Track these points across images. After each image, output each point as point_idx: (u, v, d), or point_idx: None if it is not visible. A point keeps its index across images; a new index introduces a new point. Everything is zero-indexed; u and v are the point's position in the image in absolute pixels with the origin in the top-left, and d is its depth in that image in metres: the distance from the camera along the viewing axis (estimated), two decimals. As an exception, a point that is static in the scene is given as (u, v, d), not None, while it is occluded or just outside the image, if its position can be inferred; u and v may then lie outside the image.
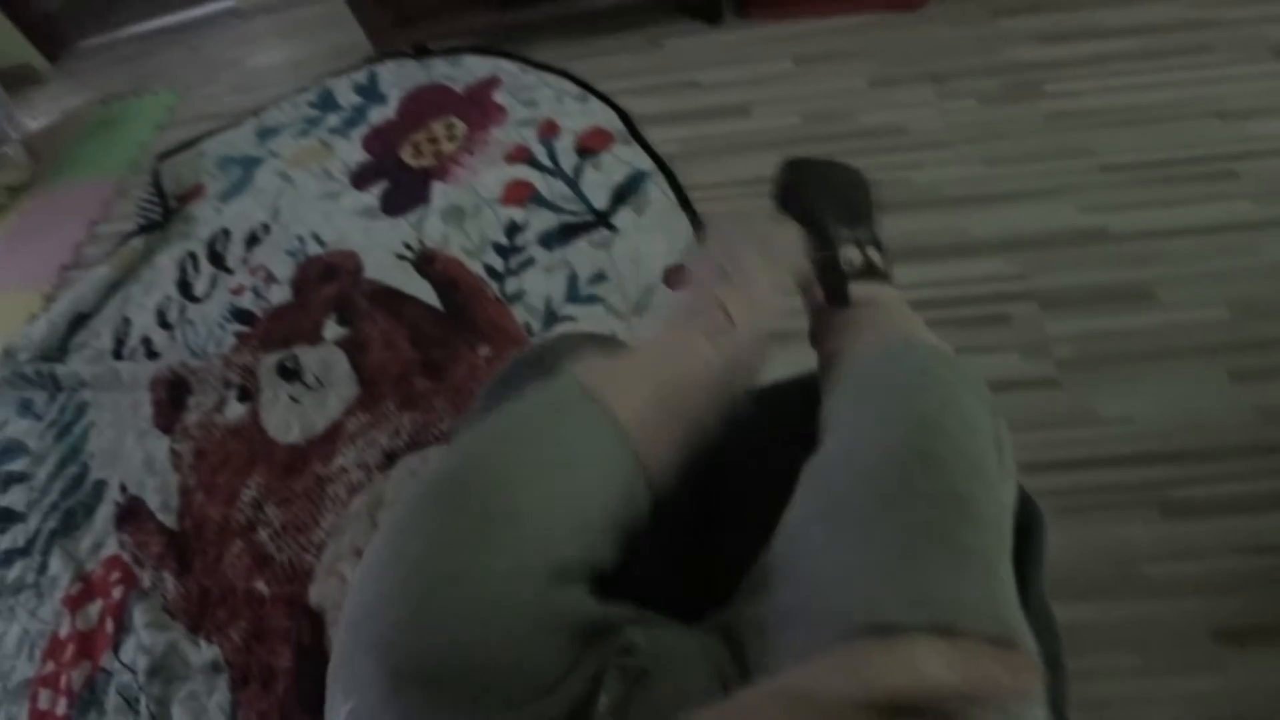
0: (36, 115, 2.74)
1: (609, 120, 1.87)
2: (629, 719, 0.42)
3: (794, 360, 0.74)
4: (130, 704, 1.24)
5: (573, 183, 1.77)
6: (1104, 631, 1.10)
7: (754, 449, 0.74)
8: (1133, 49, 1.74)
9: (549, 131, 1.89)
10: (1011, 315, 1.40)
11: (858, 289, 0.68)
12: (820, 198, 0.73)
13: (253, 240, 1.89)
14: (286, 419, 1.51)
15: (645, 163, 1.76)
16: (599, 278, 1.59)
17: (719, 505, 0.70)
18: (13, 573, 1.45)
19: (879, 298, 0.68)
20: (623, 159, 1.77)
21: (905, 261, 1.49)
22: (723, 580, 0.59)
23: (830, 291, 0.69)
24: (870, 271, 0.70)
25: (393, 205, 1.85)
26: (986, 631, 0.40)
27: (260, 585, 1.31)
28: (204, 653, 1.26)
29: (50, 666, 1.32)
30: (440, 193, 1.84)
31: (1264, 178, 1.49)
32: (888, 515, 0.43)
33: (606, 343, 0.68)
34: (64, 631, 1.35)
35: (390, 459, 1.41)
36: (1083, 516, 1.19)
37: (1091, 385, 1.31)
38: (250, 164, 2.09)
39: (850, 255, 0.70)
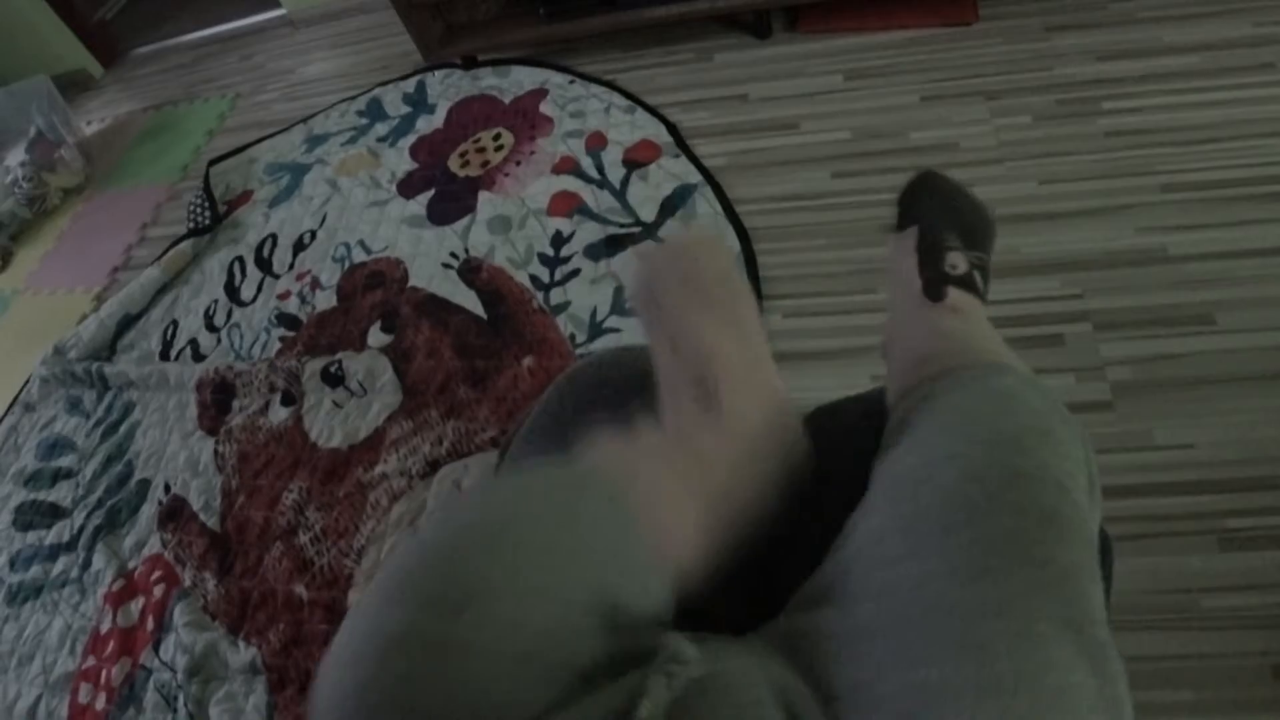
0: (91, 120, 2.81)
1: (657, 133, 1.87)
2: None
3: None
4: (168, 701, 1.25)
5: (619, 194, 1.77)
6: (1160, 665, 1.06)
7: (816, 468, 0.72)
8: (1192, 66, 1.70)
9: (596, 143, 1.89)
10: (1066, 336, 1.37)
11: (954, 294, 0.68)
12: (943, 209, 0.74)
13: (300, 246, 1.91)
14: (330, 424, 1.52)
15: (693, 175, 1.75)
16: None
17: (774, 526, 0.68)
18: (57, 568, 1.47)
19: (972, 312, 0.67)
20: (670, 171, 1.77)
21: (957, 280, 1.48)
22: (767, 591, 0.57)
23: (928, 284, 0.69)
24: (968, 284, 0.70)
25: (439, 214, 1.87)
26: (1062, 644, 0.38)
27: (300, 589, 1.32)
28: (243, 654, 1.27)
29: (91, 661, 1.33)
30: (487, 202, 1.85)
31: (1328, 199, 1.45)
32: (970, 527, 0.42)
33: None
34: (105, 627, 1.36)
35: (433, 467, 1.40)
36: (1137, 545, 1.15)
37: (1147, 410, 1.27)
38: (299, 171, 2.11)
39: (955, 261, 0.70)
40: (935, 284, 0.68)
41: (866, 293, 1.49)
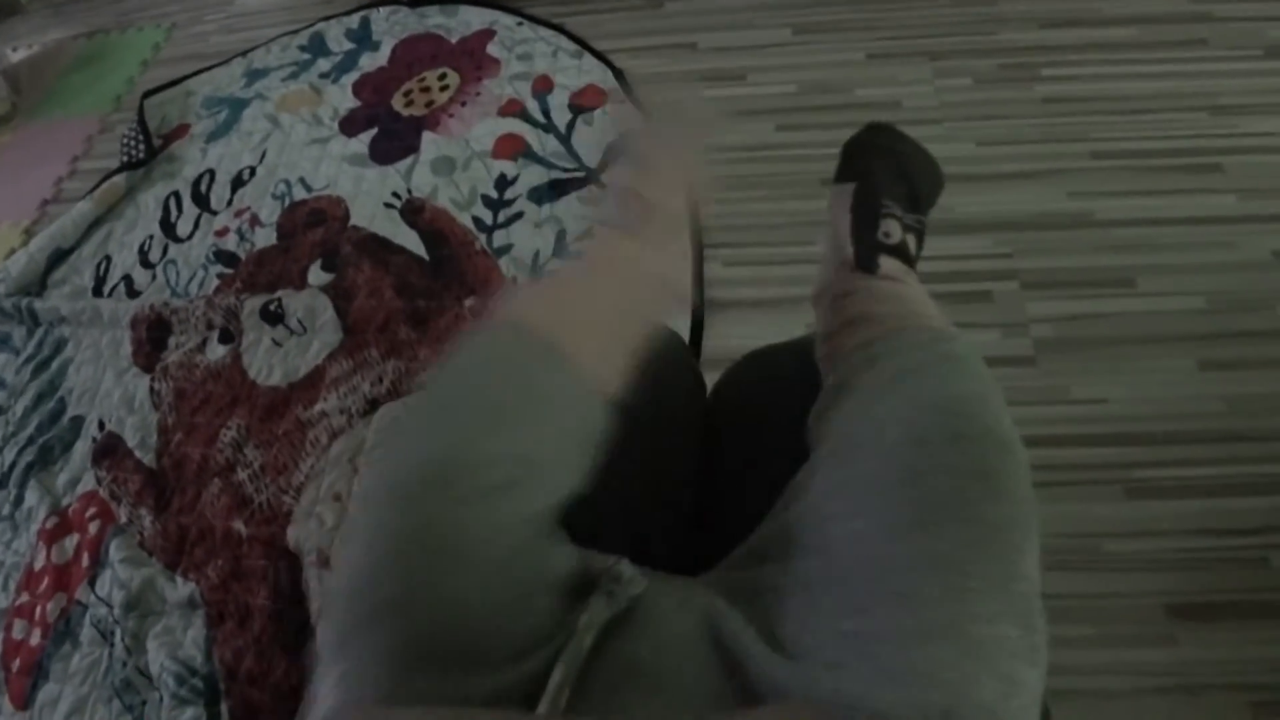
0: (18, 47, 2.67)
1: (604, 78, 1.86)
2: (605, 652, 0.43)
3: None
4: (105, 636, 1.25)
5: (565, 139, 1.76)
6: (1064, 602, 1.13)
7: (749, 409, 0.75)
8: (1130, 39, 1.75)
9: (543, 86, 1.87)
10: (994, 293, 1.43)
11: (887, 263, 0.68)
12: (886, 167, 0.73)
13: (238, 182, 1.86)
14: (269, 362, 1.51)
15: (638, 123, 1.75)
16: (589, 235, 1.59)
17: (715, 464, 0.72)
18: (-13, 504, 1.45)
19: (905, 280, 0.68)
20: (616, 118, 1.77)
21: (892, 235, 1.52)
22: (716, 538, 0.60)
23: (861, 253, 0.68)
24: (902, 253, 0.70)
25: (382, 153, 1.84)
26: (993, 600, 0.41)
27: (238, 525, 1.32)
28: (180, 589, 1.27)
29: (25, 598, 1.32)
30: (431, 143, 1.82)
31: (1249, 174, 1.51)
32: (909, 487, 0.45)
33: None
34: (39, 564, 1.35)
35: (373, 405, 1.41)
36: (1049, 492, 1.22)
37: (1067, 366, 1.34)
38: (237, 106, 2.05)
39: (890, 229, 0.69)
40: (868, 254, 0.68)
41: (804, 244, 1.52)
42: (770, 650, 0.43)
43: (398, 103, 1.94)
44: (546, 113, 1.82)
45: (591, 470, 0.53)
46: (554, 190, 1.67)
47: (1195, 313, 1.37)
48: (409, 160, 1.80)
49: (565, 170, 1.70)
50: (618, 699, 0.41)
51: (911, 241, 0.71)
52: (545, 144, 1.76)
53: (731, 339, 1.42)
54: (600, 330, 0.55)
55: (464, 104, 1.89)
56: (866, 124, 0.78)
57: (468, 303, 1.51)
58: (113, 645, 1.24)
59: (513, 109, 1.84)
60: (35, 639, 1.28)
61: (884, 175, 0.72)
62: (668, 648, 0.44)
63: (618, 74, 1.86)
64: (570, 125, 1.78)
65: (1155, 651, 1.09)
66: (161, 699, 1.18)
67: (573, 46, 1.95)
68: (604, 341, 0.55)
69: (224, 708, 1.16)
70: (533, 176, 1.71)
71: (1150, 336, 1.35)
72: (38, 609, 1.30)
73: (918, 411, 0.49)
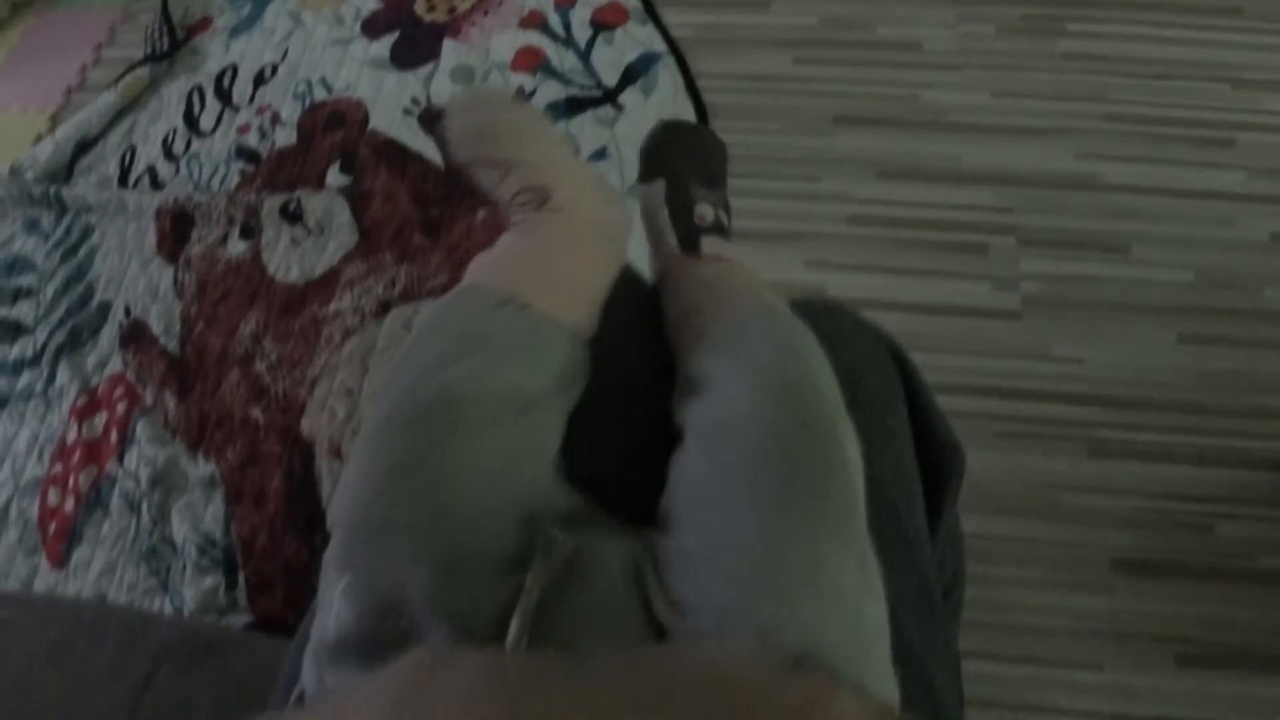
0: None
1: (627, -6, 1.85)
2: (553, 603, 0.50)
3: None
4: (133, 507, 1.36)
5: (584, 56, 1.77)
6: (1017, 545, 1.22)
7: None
8: (1161, 0, 1.72)
9: (565, 0, 1.87)
10: (990, 246, 1.46)
11: (708, 243, 0.77)
12: (686, 158, 0.82)
13: (260, 80, 1.88)
14: (287, 260, 1.57)
15: (659, 45, 1.76)
16: (600, 154, 1.62)
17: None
18: (21, 381, 1.53)
19: (727, 255, 0.77)
20: (636, 38, 1.77)
21: (896, 179, 1.55)
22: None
23: (683, 239, 0.77)
24: (719, 230, 0.79)
25: (402, 59, 1.85)
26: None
27: (256, 413, 1.41)
28: (201, 469, 1.37)
29: (59, 468, 1.42)
30: (451, 50, 1.83)
31: (1261, 153, 1.51)
32: (767, 472, 0.54)
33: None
34: (71, 438, 1.44)
35: (384, 308, 1.48)
36: (1016, 442, 1.29)
37: (1051, 324, 1.38)
38: (261, 1, 2.05)
39: (704, 212, 0.78)
40: (690, 240, 0.77)
41: (810, 180, 1.55)
42: (669, 604, 0.51)
43: (420, 7, 1.93)
44: (567, 27, 1.82)
45: (573, 402, 0.62)
46: (570, 107, 1.69)
47: (1183, 285, 1.40)
48: (429, 67, 1.82)
49: (582, 88, 1.72)
50: (570, 639, 0.49)
51: (723, 215, 0.81)
52: (564, 60, 1.77)
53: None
54: (554, 280, 0.63)
55: (486, 13, 1.88)
56: (657, 125, 0.88)
57: (480, 214, 1.56)
58: (140, 516, 1.34)
59: (534, 21, 1.84)
60: (69, 505, 1.38)
61: (684, 166, 0.81)
62: (605, 596, 0.52)
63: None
64: (590, 42, 1.79)
65: (1093, 599, 1.17)
66: (185, 567, 1.29)
67: (597, -42, 1.93)
68: (559, 288, 0.63)
69: (241, 577, 1.27)
70: (550, 92, 1.72)
71: (1136, 305, 1.39)
72: (70, 479, 1.40)
73: (764, 402, 0.58)
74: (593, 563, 0.53)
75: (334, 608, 0.50)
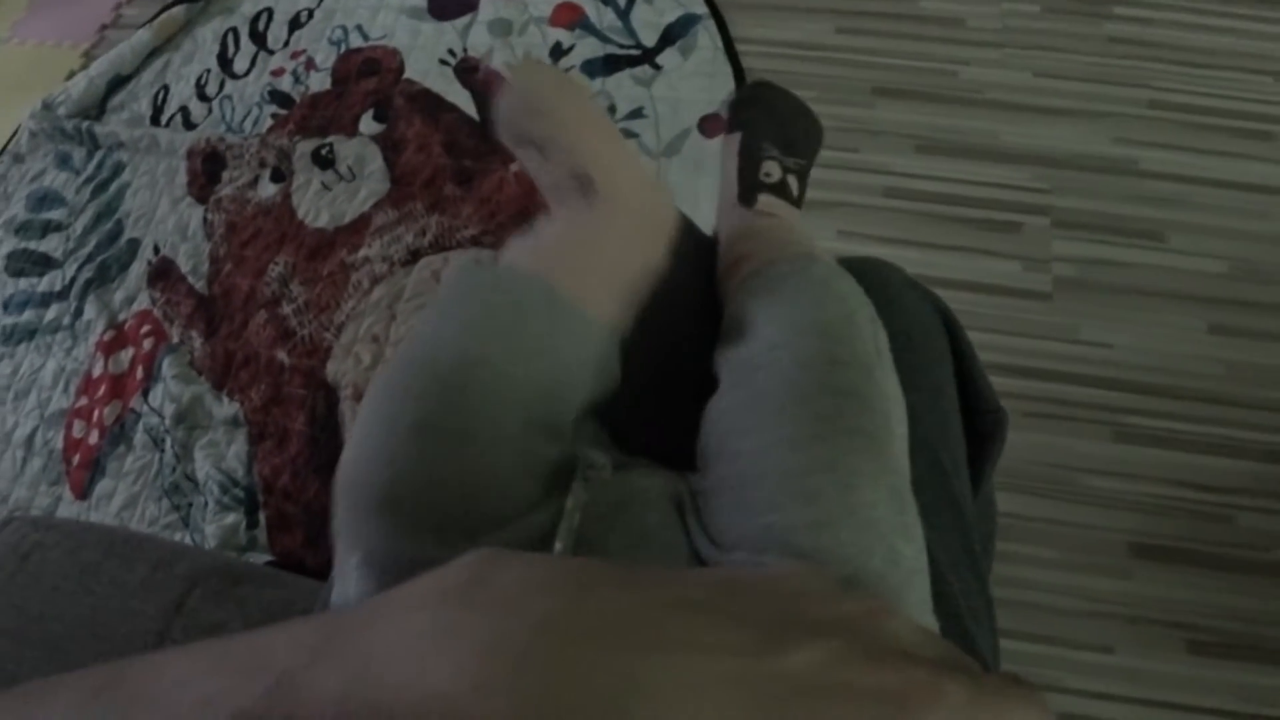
0: None
1: (668, -48, 1.83)
2: (591, 530, 0.50)
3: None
4: (156, 443, 1.37)
5: (624, 14, 1.75)
6: (1036, 525, 1.22)
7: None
8: (1213, -13, 1.69)
9: (605, -44, 1.85)
10: (1024, 226, 1.45)
11: (765, 200, 0.77)
12: (765, 117, 0.83)
13: (295, 24, 1.87)
14: (317, 205, 1.57)
15: (699, 6, 1.74)
16: (636, 113, 1.61)
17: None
18: (49, 314, 1.54)
19: (782, 214, 0.77)
20: (677, -2, 1.75)
21: (933, 154, 1.53)
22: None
23: (743, 190, 0.78)
24: (782, 191, 0.79)
25: (440, 8, 1.83)
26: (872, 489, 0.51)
27: (281, 355, 1.42)
28: (226, 408, 1.38)
29: (84, 401, 1.43)
30: (489, 3, 1.81)
31: (1299, 147, 1.49)
32: (800, 405, 0.53)
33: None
34: (97, 371, 1.45)
35: (414, 256, 1.48)
36: (1041, 423, 1.29)
37: (1081, 308, 1.38)
38: (298, -56, 2.03)
39: (770, 170, 0.79)
40: (749, 191, 0.77)
41: (848, 150, 1.54)
42: (709, 541, 0.51)
43: (458, -44, 1.92)
44: (607, -17, 1.80)
45: (600, 395, 0.60)
46: (607, 65, 1.68)
47: (1216, 276, 1.39)
48: (467, 18, 1.80)
49: (621, 47, 1.70)
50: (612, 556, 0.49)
51: (793, 182, 0.80)
52: (603, 17, 1.75)
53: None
54: (591, 270, 0.61)
55: (524, -35, 1.86)
56: (752, 81, 0.89)
57: (513, 167, 1.55)
58: (163, 451, 1.36)
59: (573, -25, 1.83)
60: (93, 438, 1.39)
61: (764, 124, 0.81)
62: (649, 525, 0.52)
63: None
64: (630, 1, 1.77)
65: (1109, 582, 1.18)
66: (206, 503, 1.30)
67: (640, -84, 1.91)
68: (595, 279, 0.60)
69: (261, 516, 1.29)
70: (587, 49, 1.71)
71: (1168, 292, 1.38)
72: (95, 412, 1.41)
73: (799, 339, 0.57)
74: (635, 493, 0.53)
75: (351, 580, 0.49)
